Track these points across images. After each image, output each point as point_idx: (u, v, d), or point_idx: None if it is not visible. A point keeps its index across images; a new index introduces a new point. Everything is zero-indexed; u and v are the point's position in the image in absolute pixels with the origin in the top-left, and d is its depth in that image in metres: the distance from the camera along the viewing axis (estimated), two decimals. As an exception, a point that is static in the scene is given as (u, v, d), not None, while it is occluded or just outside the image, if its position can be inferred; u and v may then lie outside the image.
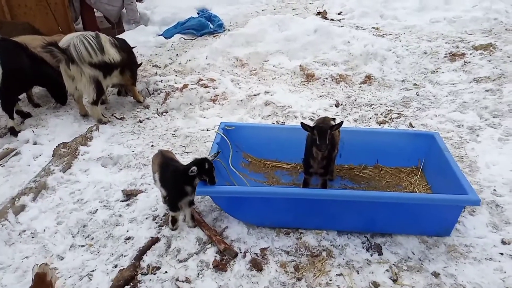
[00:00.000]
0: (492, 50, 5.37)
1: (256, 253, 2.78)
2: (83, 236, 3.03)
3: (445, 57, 5.50)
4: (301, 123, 2.92)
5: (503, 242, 2.78)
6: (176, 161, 3.09)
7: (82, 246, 2.94)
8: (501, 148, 3.70)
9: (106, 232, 3.05)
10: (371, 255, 2.75)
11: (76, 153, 3.83)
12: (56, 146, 3.88)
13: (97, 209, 3.26)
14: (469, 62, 5.22)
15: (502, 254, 2.69)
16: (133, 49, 4.92)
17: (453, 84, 4.93)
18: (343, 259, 2.73)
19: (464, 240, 2.80)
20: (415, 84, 5.10)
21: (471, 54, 5.40)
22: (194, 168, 2.68)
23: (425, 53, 5.68)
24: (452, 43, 5.83)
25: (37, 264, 2.06)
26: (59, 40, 4.14)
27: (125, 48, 4.56)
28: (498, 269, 2.59)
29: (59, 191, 3.44)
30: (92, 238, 3.00)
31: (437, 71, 5.28)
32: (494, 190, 3.22)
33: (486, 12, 6.60)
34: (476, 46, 5.56)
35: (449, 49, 5.62)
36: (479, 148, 3.72)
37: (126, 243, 2.95)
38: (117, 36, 4.96)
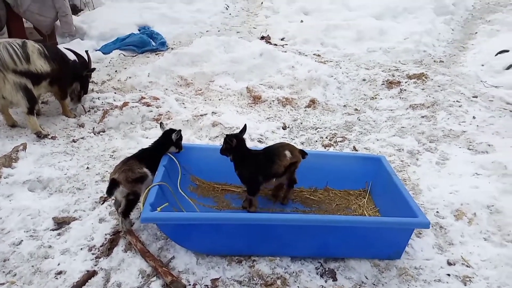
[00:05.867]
0: (424, 79, 5.75)
1: (206, 285, 2.58)
2: (3, 272, 2.63)
3: (382, 84, 5.78)
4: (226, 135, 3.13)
5: (449, 263, 2.85)
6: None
7: (2, 284, 2.53)
8: (439, 172, 3.88)
9: (33, 266, 2.67)
10: (326, 281, 2.68)
11: (-2, 176, 3.38)
12: (-27, 168, 3.40)
13: (21, 240, 2.86)
14: (405, 89, 5.54)
15: (449, 275, 2.76)
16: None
17: (391, 110, 5.17)
18: (298, 287, 2.62)
19: (414, 263, 2.84)
20: (356, 109, 5.27)
21: (406, 82, 5.74)
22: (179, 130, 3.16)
23: (364, 80, 5.93)
24: (388, 71, 6.17)
25: None
26: None
27: (56, 58, 4.22)
28: (447, 291, 2.64)
29: (-26, 219, 2.98)
30: (15, 274, 2.61)
31: (375, 98, 5.52)
32: (437, 212, 3.34)
33: (417, 44, 7.12)
34: (410, 75, 5.93)
35: (386, 77, 5.93)
36: (420, 172, 3.88)
37: (56, 278, 2.59)
38: (47, 44, 4.56)
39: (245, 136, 4.28)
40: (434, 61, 6.79)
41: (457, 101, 5.17)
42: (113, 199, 3.03)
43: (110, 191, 2.77)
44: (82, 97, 4.82)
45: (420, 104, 5.17)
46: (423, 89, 5.50)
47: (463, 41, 7.77)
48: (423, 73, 5.92)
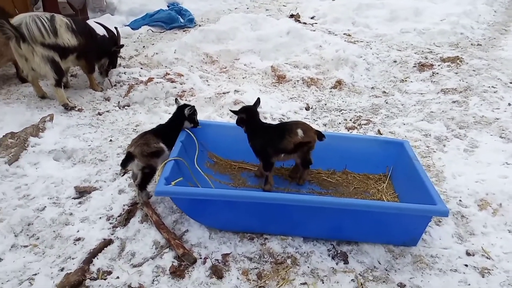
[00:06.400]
0: (459, 63, 5.48)
1: (217, 259, 2.61)
2: (27, 235, 2.74)
3: (414, 67, 5.56)
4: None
5: (468, 254, 2.75)
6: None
7: (25, 246, 2.66)
8: (467, 159, 3.72)
9: (54, 231, 2.78)
10: (337, 264, 2.65)
11: (26, 145, 3.51)
12: (3, 136, 3.53)
13: (45, 206, 2.98)
14: (437, 73, 5.30)
15: (466, 265, 2.67)
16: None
17: (421, 93, 4.98)
18: (308, 267, 2.61)
19: (430, 251, 2.75)
20: (384, 92, 5.11)
21: (439, 65, 5.49)
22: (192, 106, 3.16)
23: (395, 61, 5.73)
24: (421, 53, 5.91)
25: None
26: None
27: (84, 32, 4.29)
28: (463, 281, 2.55)
29: (2, 185, 3.12)
30: (38, 238, 2.73)
31: (406, 80, 5.33)
32: (460, 200, 3.21)
33: (454, 26, 6.78)
34: (444, 58, 5.66)
35: (418, 60, 5.69)
36: (446, 158, 3.73)
37: (75, 244, 2.69)
38: (76, 19, 4.65)
39: (267, 115, 4.31)
40: (472, 44, 6.45)
41: (492, 86, 4.90)
42: (131, 172, 3.09)
43: (124, 163, 2.83)
44: (109, 72, 4.91)
45: (452, 88, 4.94)
46: (456, 73, 5.24)
47: (505, 24, 7.33)
48: (458, 56, 5.64)
